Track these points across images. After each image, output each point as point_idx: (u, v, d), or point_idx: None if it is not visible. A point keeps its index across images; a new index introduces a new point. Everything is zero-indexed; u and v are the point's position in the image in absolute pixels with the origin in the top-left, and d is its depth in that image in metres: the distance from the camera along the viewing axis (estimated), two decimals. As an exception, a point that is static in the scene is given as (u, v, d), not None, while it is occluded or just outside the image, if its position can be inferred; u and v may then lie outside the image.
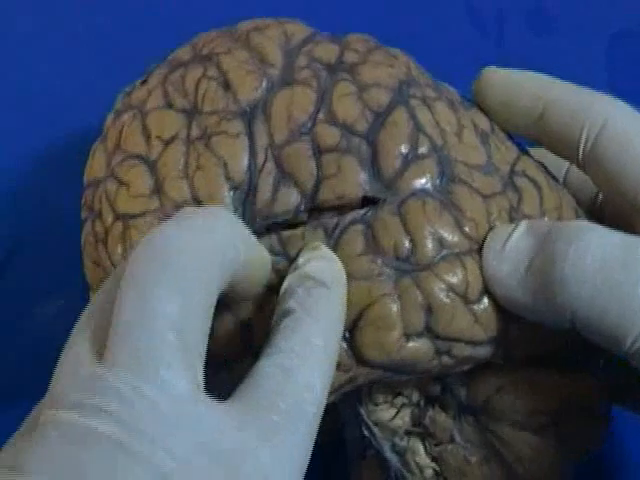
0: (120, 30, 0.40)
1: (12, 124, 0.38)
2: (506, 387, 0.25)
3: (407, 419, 0.27)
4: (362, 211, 0.24)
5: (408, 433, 0.27)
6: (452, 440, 0.26)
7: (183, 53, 0.27)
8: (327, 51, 0.26)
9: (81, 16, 0.40)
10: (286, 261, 0.24)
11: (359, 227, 0.24)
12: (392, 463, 0.27)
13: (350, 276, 0.23)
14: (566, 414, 0.25)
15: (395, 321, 0.23)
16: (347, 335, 0.23)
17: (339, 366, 0.23)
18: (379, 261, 0.23)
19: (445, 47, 0.38)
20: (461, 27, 0.40)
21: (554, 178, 0.27)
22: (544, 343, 0.25)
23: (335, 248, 0.24)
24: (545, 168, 0.27)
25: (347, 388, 0.24)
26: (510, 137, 0.27)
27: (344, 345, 0.23)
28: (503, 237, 0.24)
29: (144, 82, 0.27)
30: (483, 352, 0.24)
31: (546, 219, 0.25)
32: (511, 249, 0.24)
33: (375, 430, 0.26)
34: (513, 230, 0.24)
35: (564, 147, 0.26)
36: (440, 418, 0.26)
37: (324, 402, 0.21)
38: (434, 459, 0.26)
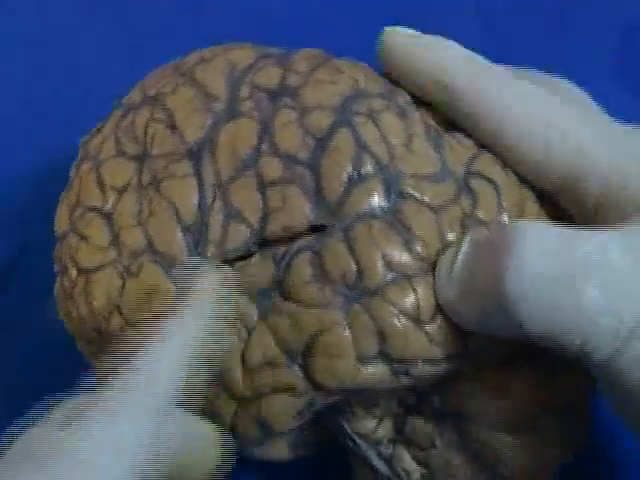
0: (120, 35, 0.40)
1: (17, 130, 0.39)
2: (478, 392, 0.25)
3: (389, 428, 0.27)
4: (310, 238, 0.24)
5: (392, 441, 0.27)
6: (434, 445, 0.26)
7: (134, 95, 0.27)
8: (269, 77, 0.26)
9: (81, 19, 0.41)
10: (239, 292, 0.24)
11: (307, 255, 0.24)
12: (380, 470, 0.27)
13: (300, 303, 0.23)
14: (543, 414, 0.25)
15: (347, 349, 0.23)
16: (300, 361, 0.24)
17: (295, 391, 0.23)
18: (328, 289, 0.23)
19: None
20: (465, 20, 0.38)
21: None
22: (509, 345, 0.24)
23: (285, 276, 0.24)
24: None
25: (307, 414, 0.24)
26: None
27: (298, 370, 0.23)
28: (449, 262, 0.23)
29: (99, 130, 0.27)
30: (444, 368, 0.24)
31: (505, 218, 0.24)
32: (457, 273, 0.23)
33: (359, 441, 0.27)
34: (457, 253, 0.23)
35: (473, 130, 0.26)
36: (420, 425, 0.26)
37: None
38: (420, 463, 0.27)
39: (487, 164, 0.25)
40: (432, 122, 0.26)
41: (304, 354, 0.23)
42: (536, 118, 0.24)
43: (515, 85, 0.25)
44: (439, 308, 0.23)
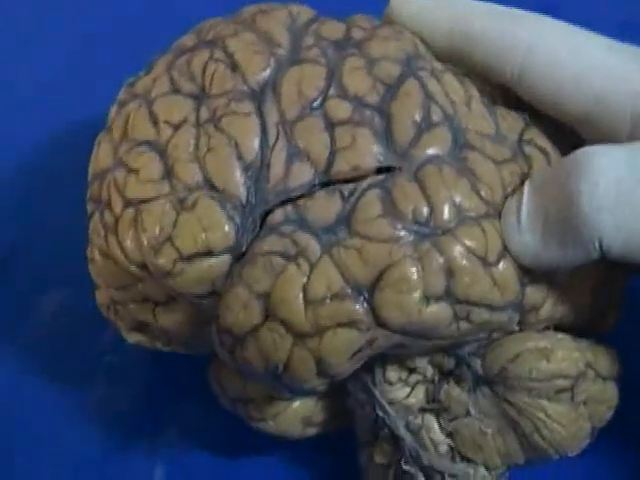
0: (121, 26, 0.40)
1: (14, 121, 0.38)
2: (522, 354, 0.25)
3: (421, 396, 0.26)
4: (379, 177, 0.24)
5: (422, 410, 0.26)
6: (467, 413, 0.26)
7: (187, 40, 0.27)
8: (334, 29, 0.26)
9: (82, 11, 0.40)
10: (300, 230, 0.23)
11: (377, 191, 0.23)
12: (406, 442, 0.26)
13: (369, 238, 0.23)
14: (582, 378, 0.25)
15: (416, 283, 0.23)
16: (367, 295, 0.23)
17: (359, 325, 0.23)
18: (398, 225, 0.23)
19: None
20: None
21: (565, 140, 0.27)
22: (562, 309, 0.25)
23: (352, 211, 0.23)
24: (554, 131, 0.27)
25: (366, 352, 0.24)
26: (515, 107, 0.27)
27: (364, 304, 0.23)
28: (516, 208, 0.24)
29: (148, 72, 0.27)
30: (500, 317, 0.24)
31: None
32: (526, 216, 0.23)
33: (389, 410, 0.26)
34: (521, 198, 0.24)
35: (494, 76, 0.26)
36: (455, 392, 0.26)
37: None
38: (449, 435, 0.26)
39: (537, 135, 0.26)
40: (486, 90, 0.26)
41: (371, 288, 0.23)
42: (563, 49, 0.25)
43: (537, 20, 0.26)
44: (504, 253, 0.23)
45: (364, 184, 0.24)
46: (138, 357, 0.34)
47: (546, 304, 0.25)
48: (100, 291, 0.28)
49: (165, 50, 0.27)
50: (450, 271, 0.23)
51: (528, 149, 0.25)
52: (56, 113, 0.38)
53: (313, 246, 0.23)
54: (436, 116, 0.24)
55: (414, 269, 0.23)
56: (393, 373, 0.26)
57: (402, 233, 0.23)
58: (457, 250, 0.23)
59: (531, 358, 0.25)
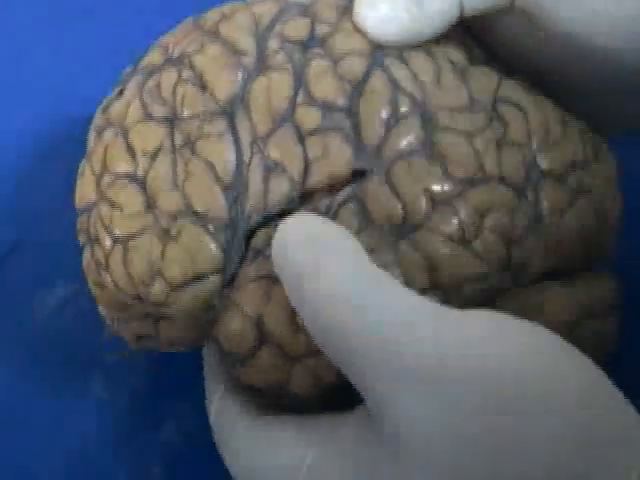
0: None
1: (11, 115, 0.38)
2: (517, 311, 0.24)
3: None
4: (350, 187, 0.24)
5: None
6: None
7: (155, 56, 0.27)
8: (297, 28, 0.25)
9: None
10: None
11: (351, 206, 0.24)
12: None
13: None
14: (580, 324, 0.25)
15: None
16: None
17: None
18: (376, 234, 0.23)
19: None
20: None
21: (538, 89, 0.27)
22: (552, 259, 0.25)
23: None
24: (527, 83, 0.27)
25: None
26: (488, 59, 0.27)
27: None
28: None
29: (120, 93, 0.27)
30: (490, 283, 0.24)
31: (533, 140, 0.25)
32: None
33: None
34: None
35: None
36: None
37: None
38: None
39: (511, 89, 0.26)
40: (456, 56, 0.26)
41: None
42: None
43: None
44: (481, 224, 0.24)
45: (338, 198, 0.24)
46: (137, 356, 0.35)
47: (534, 258, 0.25)
48: (100, 305, 0.28)
49: (135, 64, 0.27)
50: (432, 266, 0.23)
51: (503, 108, 0.25)
52: (54, 111, 0.38)
53: None
54: (404, 107, 0.24)
55: (397, 273, 0.23)
56: None
57: (381, 242, 0.23)
58: (434, 242, 0.23)
59: (526, 313, 0.24)
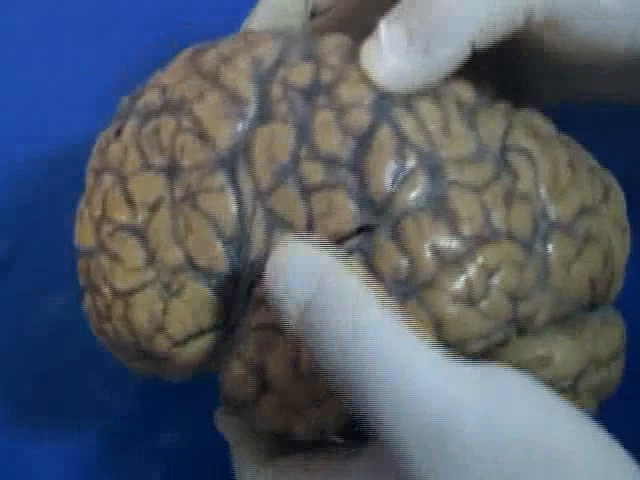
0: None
1: (13, 123, 0.38)
2: (520, 367, 0.24)
3: None
4: (356, 240, 0.24)
5: None
6: None
7: (152, 97, 0.26)
8: (301, 74, 0.24)
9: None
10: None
11: (356, 256, 0.23)
12: None
13: None
14: (583, 374, 0.25)
15: None
16: None
17: None
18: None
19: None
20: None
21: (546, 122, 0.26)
22: (560, 308, 0.25)
23: None
24: (537, 119, 0.26)
25: None
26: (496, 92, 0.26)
27: None
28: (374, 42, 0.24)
29: (118, 133, 0.26)
30: (496, 339, 0.24)
31: (542, 190, 0.25)
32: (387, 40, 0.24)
33: None
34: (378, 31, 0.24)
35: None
36: None
37: None
38: None
39: (520, 135, 0.25)
40: (464, 96, 0.25)
41: None
42: None
43: None
44: (488, 283, 0.23)
45: (343, 250, 0.23)
46: None
47: (541, 310, 0.24)
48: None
49: (132, 97, 0.26)
50: (438, 323, 0.23)
51: (511, 157, 0.25)
52: (50, 119, 0.37)
53: None
54: (411, 161, 0.23)
55: None
56: None
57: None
58: (441, 301, 0.23)
59: (531, 368, 0.25)
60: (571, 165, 0.26)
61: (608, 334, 0.26)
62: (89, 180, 0.26)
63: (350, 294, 0.21)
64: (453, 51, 0.24)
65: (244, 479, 0.26)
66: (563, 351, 0.25)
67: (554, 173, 0.25)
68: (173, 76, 0.26)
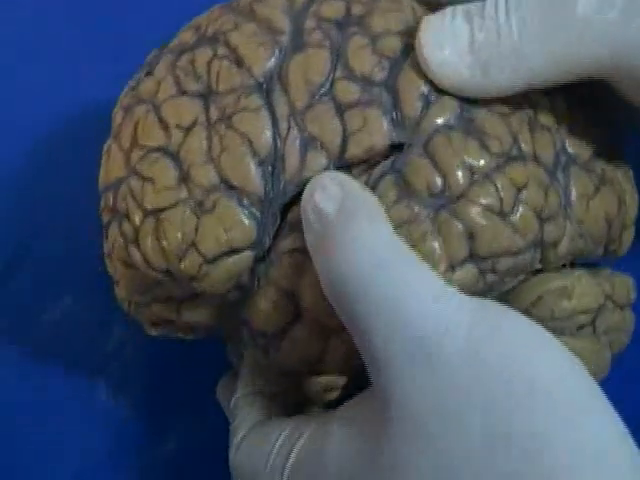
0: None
1: (17, 125, 0.38)
2: (543, 297, 0.25)
3: None
4: (389, 161, 0.24)
5: None
6: None
7: (186, 37, 0.27)
8: (333, 8, 0.26)
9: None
10: None
11: (389, 177, 0.24)
12: None
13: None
14: (602, 311, 0.26)
15: (440, 257, 0.23)
16: None
17: None
18: (414, 204, 0.23)
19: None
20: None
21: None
22: (579, 242, 0.25)
23: None
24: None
25: None
26: None
27: None
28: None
29: (148, 74, 0.26)
30: (523, 260, 0.24)
31: (561, 126, 0.26)
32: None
33: None
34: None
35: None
36: None
37: None
38: None
39: None
40: None
41: None
42: None
43: None
44: (518, 198, 0.24)
45: (376, 172, 0.24)
46: (140, 364, 0.35)
47: (564, 239, 0.25)
48: (119, 287, 0.28)
49: (162, 47, 0.27)
50: (471, 234, 0.23)
51: (532, 93, 0.25)
52: (59, 115, 0.37)
53: None
54: None
55: (436, 244, 0.23)
56: None
57: (419, 211, 0.23)
58: (474, 212, 0.23)
59: (552, 299, 0.25)
60: (587, 117, 0.27)
61: (620, 282, 0.27)
62: (117, 118, 0.27)
63: (367, 211, 0.23)
64: (512, 80, 0.24)
65: (235, 444, 0.26)
66: (583, 284, 0.26)
67: (571, 115, 0.26)
68: (207, 18, 0.27)
